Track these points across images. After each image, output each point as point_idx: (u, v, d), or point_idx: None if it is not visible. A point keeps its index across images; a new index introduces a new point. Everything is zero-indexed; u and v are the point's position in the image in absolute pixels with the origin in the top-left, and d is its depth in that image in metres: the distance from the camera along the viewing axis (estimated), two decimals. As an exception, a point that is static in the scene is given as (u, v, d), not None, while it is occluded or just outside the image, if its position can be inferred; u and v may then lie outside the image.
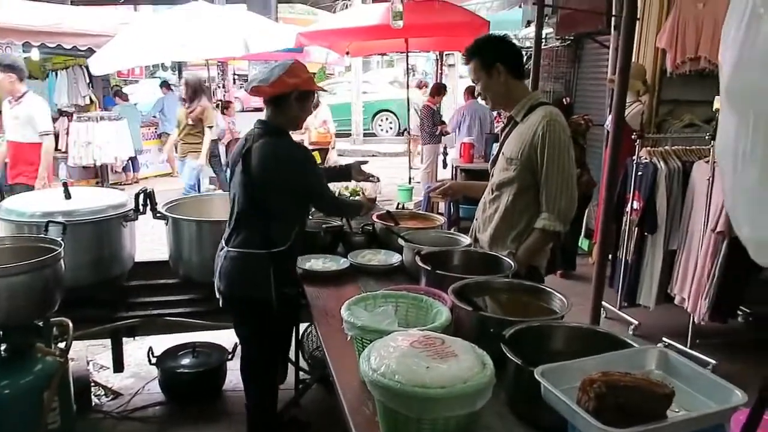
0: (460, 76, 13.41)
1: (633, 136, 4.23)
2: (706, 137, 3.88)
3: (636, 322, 4.32)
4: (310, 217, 2.92)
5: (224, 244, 2.54)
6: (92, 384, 3.46)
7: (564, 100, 6.04)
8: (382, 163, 10.24)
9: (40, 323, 2.52)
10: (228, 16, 7.60)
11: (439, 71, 11.08)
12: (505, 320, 1.60)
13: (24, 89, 4.68)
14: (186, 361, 3.41)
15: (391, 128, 15.88)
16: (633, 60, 4.17)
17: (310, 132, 8.28)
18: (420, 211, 4.38)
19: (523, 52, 3.54)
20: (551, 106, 2.41)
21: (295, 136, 2.65)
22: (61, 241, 2.55)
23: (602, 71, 6.21)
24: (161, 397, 3.41)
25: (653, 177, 4.04)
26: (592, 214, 5.66)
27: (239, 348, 2.77)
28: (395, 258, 2.61)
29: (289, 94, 2.43)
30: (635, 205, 4.24)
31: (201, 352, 3.46)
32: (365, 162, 3.09)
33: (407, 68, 8.69)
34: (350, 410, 1.49)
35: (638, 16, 4.88)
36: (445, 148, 8.65)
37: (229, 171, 2.66)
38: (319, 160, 6.28)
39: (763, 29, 0.98)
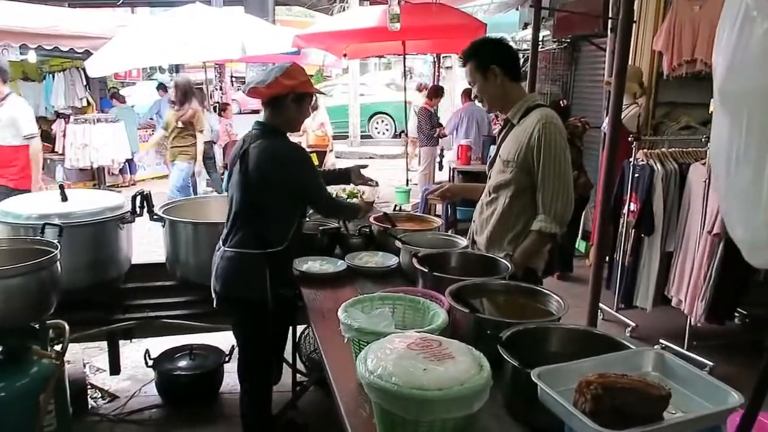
0: (457, 78, 13.43)
1: (630, 139, 4.24)
2: (703, 139, 3.89)
3: (633, 324, 4.33)
4: (308, 219, 2.92)
5: (221, 244, 2.55)
6: (88, 386, 3.44)
7: (561, 102, 6.04)
8: (379, 165, 10.25)
9: (36, 326, 2.51)
10: (225, 18, 7.60)
11: (437, 74, 11.10)
12: (502, 322, 1.60)
13: (6, 91, 4.57)
14: (183, 363, 3.41)
15: (387, 130, 15.89)
16: (629, 62, 4.19)
17: (307, 135, 8.28)
18: (417, 213, 4.38)
19: (520, 55, 3.55)
20: (547, 108, 2.41)
21: (293, 138, 2.66)
22: (58, 243, 2.55)
23: (599, 73, 6.22)
24: (158, 400, 3.40)
25: (650, 179, 4.05)
26: (589, 216, 5.67)
27: (236, 350, 2.77)
28: (392, 260, 2.61)
29: (286, 96, 2.44)
30: (632, 207, 4.25)
31: (198, 355, 3.45)
32: (365, 166, 3.10)
33: (404, 70, 8.69)
34: (347, 412, 1.49)
35: (635, 19, 4.90)
36: (441, 150, 8.67)
37: (226, 172, 2.67)
38: (316, 163, 6.29)
39: (756, 32, 0.99)
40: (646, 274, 4.23)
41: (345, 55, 8.09)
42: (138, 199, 3.14)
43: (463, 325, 1.69)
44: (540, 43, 5.81)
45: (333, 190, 3.34)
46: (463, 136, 7.67)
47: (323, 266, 2.62)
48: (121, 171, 10.01)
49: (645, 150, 4.23)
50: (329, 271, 2.58)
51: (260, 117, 2.57)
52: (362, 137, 15.00)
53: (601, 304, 3.52)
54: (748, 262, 1.10)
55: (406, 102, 8.53)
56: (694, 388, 1.27)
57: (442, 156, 8.71)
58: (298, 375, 3.35)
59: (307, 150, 3.30)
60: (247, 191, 2.44)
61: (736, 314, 4.16)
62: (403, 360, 1.26)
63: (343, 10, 11.78)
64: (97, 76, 8.16)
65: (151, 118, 10.98)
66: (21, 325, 2.45)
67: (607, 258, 4.36)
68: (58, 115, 10.51)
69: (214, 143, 8.14)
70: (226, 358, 3.43)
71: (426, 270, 2.07)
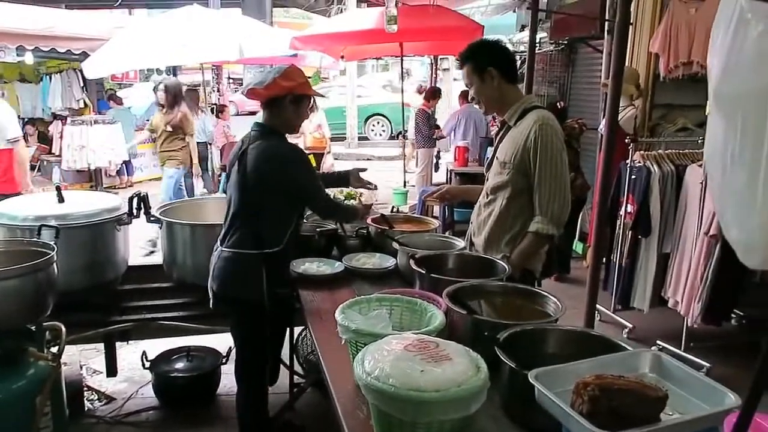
0: (454, 79, 13.44)
1: (627, 140, 4.25)
2: (699, 141, 3.90)
3: (630, 325, 4.33)
4: (305, 220, 2.92)
5: (219, 245, 2.56)
6: (85, 388, 3.44)
7: (558, 104, 6.06)
8: (376, 167, 10.24)
9: (33, 327, 2.50)
10: (223, 20, 7.61)
11: (434, 75, 11.11)
12: (500, 323, 1.60)
13: None
14: (180, 365, 3.40)
15: (383, 132, 15.90)
16: (626, 64, 4.21)
17: (305, 137, 8.27)
18: (414, 215, 4.38)
19: (517, 57, 3.55)
20: (544, 109, 2.42)
21: (291, 140, 2.67)
22: (54, 245, 2.54)
23: (596, 75, 6.24)
24: (155, 402, 3.39)
25: (647, 180, 4.06)
26: (587, 218, 5.68)
27: (233, 351, 2.77)
28: (390, 261, 2.61)
29: (284, 97, 2.46)
30: (629, 208, 4.26)
31: (195, 356, 3.44)
32: (364, 170, 3.11)
33: (402, 72, 8.70)
34: (344, 414, 1.48)
35: (631, 21, 4.91)
36: (438, 152, 8.68)
37: (224, 174, 2.67)
38: (314, 165, 6.27)
39: (750, 34, 0.99)
40: (643, 275, 4.24)
41: (342, 57, 8.09)
42: (135, 200, 3.14)
43: (460, 326, 1.69)
44: (537, 45, 5.81)
45: (331, 191, 3.35)
46: (461, 137, 7.68)
47: (320, 268, 2.62)
48: (118, 172, 9.99)
49: (642, 152, 4.24)
50: (326, 272, 2.58)
51: (259, 118, 2.58)
52: (359, 139, 15.00)
53: (598, 306, 3.53)
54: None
55: (403, 104, 8.53)
56: (691, 389, 1.27)
57: (438, 158, 8.72)
58: (295, 376, 3.34)
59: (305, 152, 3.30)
60: (246, 192, 2.44)
61: (733, 315, 4.16)
62: (400, 361, 1.26)
63: (341, 11, 11.77)
64: (95, 77, 8.15)
65: (148, 120, 10.95)
66: (17, 327, 2.44)
67: (604, 259, 4.36)
68: (55, 116, 10.51)
69: (210, 144, 8.13)
70: (223, 360, 3.42)
71: (423, 271, 2.07)
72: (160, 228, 3.23)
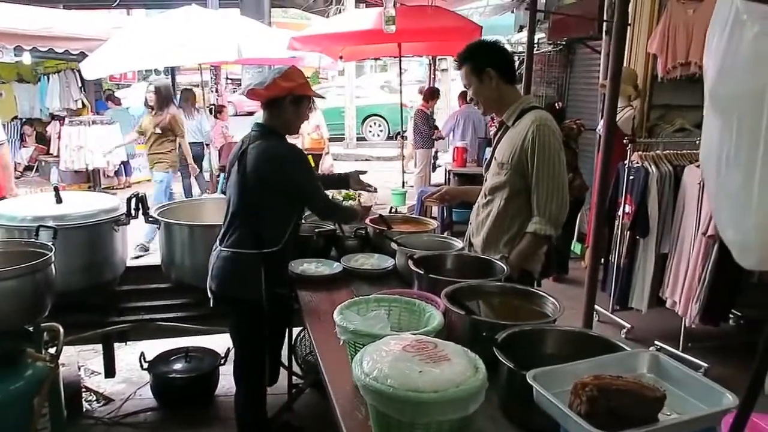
0: (452, 80, 13.45)
1: (625, 141, 4.26)
2: (697, 142, 3.90)
3: (628, 326, 4.34)
4: (303, 221, 2.92)
5: (218, 244, 2.57)
6: (83, 389, 3.43)
7: (556, 104, 6.06)
8: (375, 167, 10.24)
9: (31, 328, 2.49)
10: (221, 20, 7.61)
11: (432, 76, 11.11)
12: (498, 324, 1.60)
13: None
14: (178, 366, 3.40)
15: (381, 132, 15.90)
16: (624, 65, 4.21)
17: (303, 138, 8.26)
18: (413, 215, 4.39)
19: (516, 57, 3.55)
20: (542, 110, 2.42)
21: (289, 140, 2.67)
22: (52, 246, 2.54)
23: (594, 76, 6.24)
24: (153, 403, 3.39)
25: (645, 181, 4.07)
26: (585, 218, 5.68)
27: (232, 352, 2.77)
28: (388, 262, 2.61)
29: (284, 98, 2.47)
30: (627, 209, 4.26)
31: (193, 357, 3.44)
32: (364, 172, 3.11)
33: (400, 73, 8.70)
34: (343, 415, 1.48)
35: (629, 22, 4.92)
36: (436, 152, 8.67)
37: (222, 174, 2.68)
38: (312, 165, 6.26)
39: (746, 35, 1.00)
40: (641, 275, 4.24)
41: (341, 58, 8.09)
42: (133, 201, 3.14)
43: (458, 327, 1.69)
44: (535, 45, 5.84)
45: (329, 192, 3.34)
46: (460, 138, 7.69)
47: (319, 268, 2.62)
48: (117, 173, 9.97)
49: (640, 152, 4.24)
50: (325, 273, 2.58)
51: (258, 118, 2.58)
52: (357, 140, 15.00)
53: (596, 306, 3.53)
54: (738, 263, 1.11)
55: (402, 104, 8.53)
56: (688, 389, 1.27)
57: (436, 158, 8.72)
58: (293, 377, 3.34)
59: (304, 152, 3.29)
60: (245, 192, 2.45)
61: (731, 316, 4.17)
62: (398, 362, 1.26)
63: (339, 12, 11.78)
64: (93, 78, 8.15)
65: (147, 120, 10.94)
66: (15, 328, 2.43)
67: (602, 260, 4.37)
68: (53, 117, 10.49)
69: (207, 145, 8.11)
70: (222, 361, 3.42)
71: (422, 272, 2.07)
72: (158, 229, 3.23)
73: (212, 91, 11.83)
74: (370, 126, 15.97)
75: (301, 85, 2.50)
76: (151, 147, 6.25)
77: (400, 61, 8.16)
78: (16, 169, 10.55)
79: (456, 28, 6.55)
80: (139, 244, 5.96)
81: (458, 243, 2.62)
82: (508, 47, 3.00)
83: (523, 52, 5.05)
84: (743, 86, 1.01)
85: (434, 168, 8.65)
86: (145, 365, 3.33)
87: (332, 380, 1.67)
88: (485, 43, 2.54)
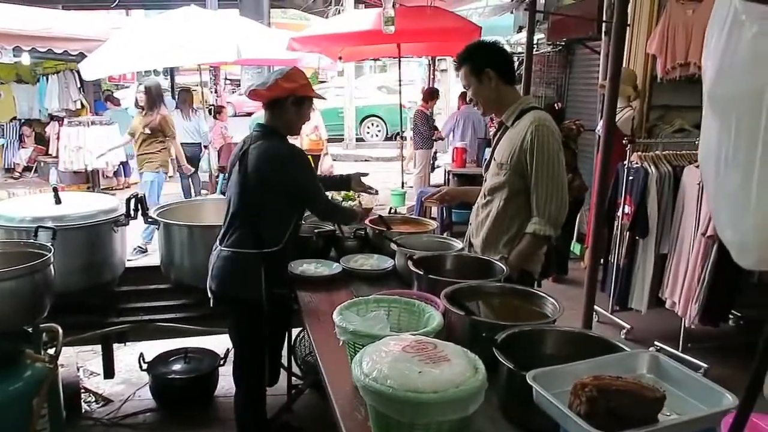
0: (452, 80, 13.45)
1: (624, 141, 4.26)
2: (696, 142, 3.89)
3: (628, 326, 4.34)
4: (303, 221, 2.92)
5: (218, 244, 2.57)
6: (82, 390, 3.43)
7: (555, 105, 6.07)
8: (374, 168, 10.23)
9: (30, 329, 2.49)
10: (220, 20, 7.60)
11: (432, 76, 11.12)
12: (498, 324, 1.60)
13: None
14: (177, 366, 3.39)
15: (378, 133, 15.89)
16: (624, 65, 4.20)
17: (301, 139, 8.25)
18: (412, 216, 4.38)
19: (515, 58, 3.55)
20: (541, 110, 2.42)
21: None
22: (51, 246, 2.53)
23: (593, 76, 6.25)
24: (152, 404, 3.38)
25: (644, 181, 4.07)
26: (584, 219, 5.68)
27: (231, 353, 2.77)
28: (388, 263, 2.61)
29: (286, 99, 2.47)
30: (626, 209, 4.26)
31: (193, 358, 3.44)
32: (366, 174, 3.11)
33: (399, 73, 8.69)
34: (342, 415, 1.48)
35: (629, 22, 4.92)
36: (435, 153, 8.67)
37: (222, 175, 2.68)
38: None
39: (744, 36, 1.00)
40: (640, 276, 4.24)
41: (340, 58, 8.09)
42: (132, 201, 3.13)
43: (458, 327, 1.69)
44: (535, 46, 5.83)
45: (329, 193, 3.34)
46: (459, 138, 7.69)
47: (318, 269, 2.62)
48: (116, 174, 9.96)
49: (639, 153, 4.24)
50: (324, 273, 2.58)
51: (257, 119, 2.58)
52: (357, 140, 15.00)
53: (596, 307, 3.53)
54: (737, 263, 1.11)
55: (401, 105, 8.52)
56: (688, 390, 1.27)
57: (435, 159, 8.71)
58: (293, 378, 3.34)
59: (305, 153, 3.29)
60: (246, 191, 2.46)
61: (731, 316, 4.17)
62: (398, 363, 1.26)
63: (338, 12, 11.78)
64: (92, 78, 8.14)
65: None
66: (14, 329, 2.43)
67: (601, 260, 4.37)
68: (51, 117, 10.49)
69: (206, 147, 8.09)
70: (221, 362, 3.42)
71: (421, 272, 2.07)
72: (158, 229, 3.23)
73: (211, 92, 11.82)
74: (368, 127, 15.97)
75: (303, 86, 2.51)
76: (140, 147, 6.17)
77: (400, 61, 8.15)
78: (15, 170, 10.58)
79: (455, 28, 6.55)
80: (136, 247, 5.94)
81: (458, 243, 2.62)
82: (507, 48, 3.00)
83: (523, 53, 5.06)
84: (742, 86, 1.01)
85: (433, 168, 8.64)
86: (145, 366, 3.33)
87: (332, 381, 1.66)
88: (485, 44, 2.54)
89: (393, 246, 2.57)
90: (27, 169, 10.62)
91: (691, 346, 3.91)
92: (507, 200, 2.40)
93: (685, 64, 4.64)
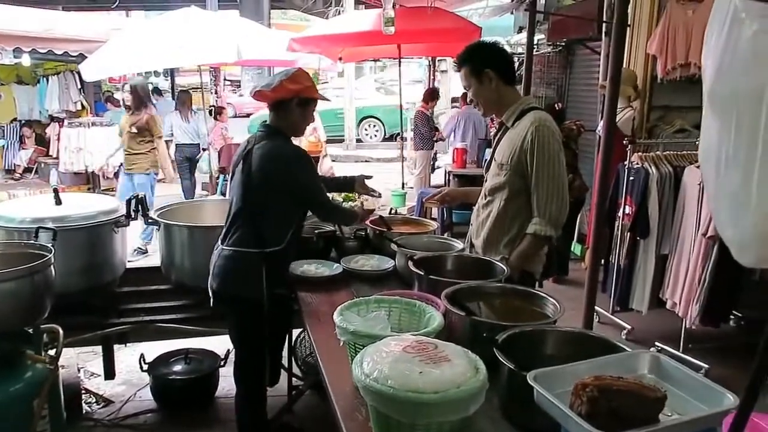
0: (452, 81, 13.45)
1: (624, 142, 4.26)
2: (697, 143, 3.89)
3: (629, 327, 4.34)
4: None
5: (220, 243, 2.57)
6: (83, 391, 3.43)
7: (556, 105, 6.07)
8: (374, 169, 10.23)
9: (30, 330, 2.49)
10: (220, 21, 7.60)
11: (432, 77, 11.12)
12: (498, 325, 1.60)
13: None
14: (178, 367, 3.39)
15: (377, 134, 15.89)
16: (624, 66, 4.21)
17: (300, 140, 8.24)
18: (413, 217, 4.38)
19: (515, 58, 3.55)
20: (541, 110, 2.42)
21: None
22: (52, 247, 2.53)
23: (594, 77, 6.25)
24: (153, 405, 3.38)
25: (645, 182, 4.07)
26: (585, 219, 5.68)
27: (232, 354, 2.77)
28: (388, 263, 2.61)
29: (290, 100, 2.48)
30: (627, 209, 4.26)
31: (193, 359, 3.44)
32: (369, 177, 3.11)
33: (399, 74, 8.69)
34: (343, 416, 1.48)
35: (629, 23, 4.92)
36: (435, 153, 8.66)
37: (222, 175, 2.68)
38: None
39: (744, 34, 0.99)
40: (641, 276, 4.24)
41: (340, 59, 8.09)
42: (133, 202, 3.13)
43: (459, 328, 1.69)
44: (535, 46, 5.83)
45: (329, 194, 3.34)
46: (460, 139, 7.69)
47: (319, 269, 2.62)
48: (116, 175, 9.96)
49: (640, 153, 4.24)
50: (325, 274, 2.58)
51: (258, 119, 2.59)
52: (357, 141, 15.00)
53: (596, 307, 3.53)
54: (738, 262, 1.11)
55: (401, 106, 8.52)
56: (689, 390, 1.27)
57: (435, 159, 8.71)
58: (293, 378, 3.34)
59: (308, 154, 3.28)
60: (249, 191, 2.46)
61: (731, 317, 4.17)
62: (399, 363, 1.26)
63: (338, 13, 11.79)
64: (92, 79, 8.13)
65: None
66: (15, 330, 2.43)
67: (602, 261, 4.37)
68: (52, 118, 10.49)
69: (204, 149, 8.09)
70: (222, 363, 3.42)
71: (422, 273, 2.07)
72: (157, 230, 3.22)
73: (212, 93, 11.83)
74: (366, 128, 15.98)
75: (307, 87, 2.52)
76: (127, 146, 6.13)
77: (400, 62, 8.15)
78: (15, 171, 10.59)
79: (455, 29, 6.54)
80: (136, 248, 5.93)
81: (458, 244, 2.62)
82: (507, 48, 3.00)
83: (523, 53, 5.06)
84: (742, 84, 1.01)
85: (433, 169, 8.64)
86: (145, 367, 3.33)
87: (332, 381, 1.66)
88: (485, 45, 2.54)
89: (393, 246, 2.57)
90: (27, 170, 10.63)
91: (691, 346, 3.91)
92: (507, 201, 2.40)
93: (686, 65, 4.64)
